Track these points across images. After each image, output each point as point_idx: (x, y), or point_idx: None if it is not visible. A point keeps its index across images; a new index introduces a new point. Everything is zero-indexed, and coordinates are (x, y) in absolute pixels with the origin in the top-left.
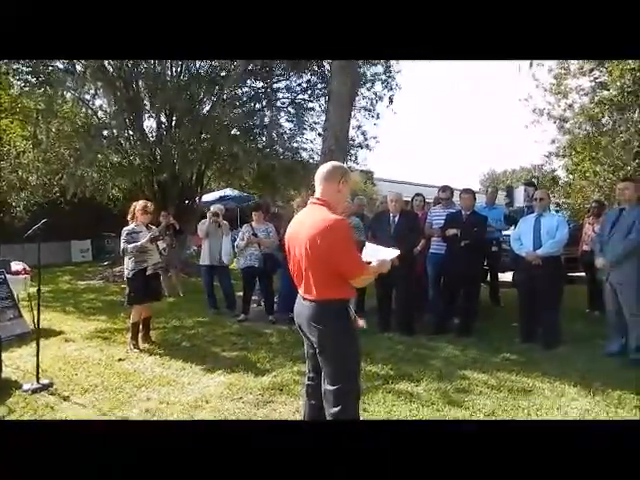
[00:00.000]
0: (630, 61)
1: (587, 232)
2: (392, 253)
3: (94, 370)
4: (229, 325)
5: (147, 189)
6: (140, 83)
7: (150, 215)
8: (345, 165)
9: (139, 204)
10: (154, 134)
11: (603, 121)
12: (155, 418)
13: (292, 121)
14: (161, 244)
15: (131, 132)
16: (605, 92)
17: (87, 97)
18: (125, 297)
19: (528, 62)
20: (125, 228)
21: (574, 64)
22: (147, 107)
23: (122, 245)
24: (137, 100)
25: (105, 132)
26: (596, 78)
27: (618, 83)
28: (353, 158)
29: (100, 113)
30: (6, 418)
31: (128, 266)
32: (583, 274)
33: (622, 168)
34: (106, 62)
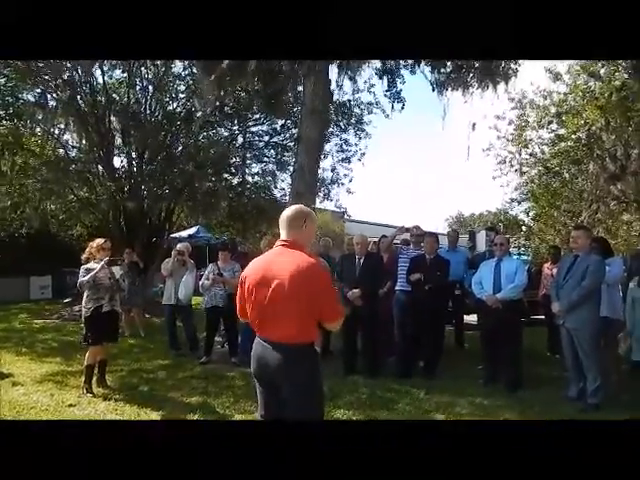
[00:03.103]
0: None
1: (546, 277)
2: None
3: (41, 417)
4: (190, 368)
5: (113, 225)
6: (112, 119)
7: (108, 252)
8: (311, 207)
9: (95, 242)
10: (124, 170)
11: (561, 170)
12: None
13: (265, 162)
14: (117, 270)
15: (100, 167)
16: (562, 144)
17: (56, 131)
18: (81, 337)
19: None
20: (83, 265)
21: (532, 117)
22: (119, 143)
23: (79, 280)
24: (109, 136)
25: (73, 166)
26: (554, 130)
27: (573, 136)
28: (325, 197)
29: (69, 147)
30: None
31: (85, 304)
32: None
33: (578, 215)
34: (79, 97)
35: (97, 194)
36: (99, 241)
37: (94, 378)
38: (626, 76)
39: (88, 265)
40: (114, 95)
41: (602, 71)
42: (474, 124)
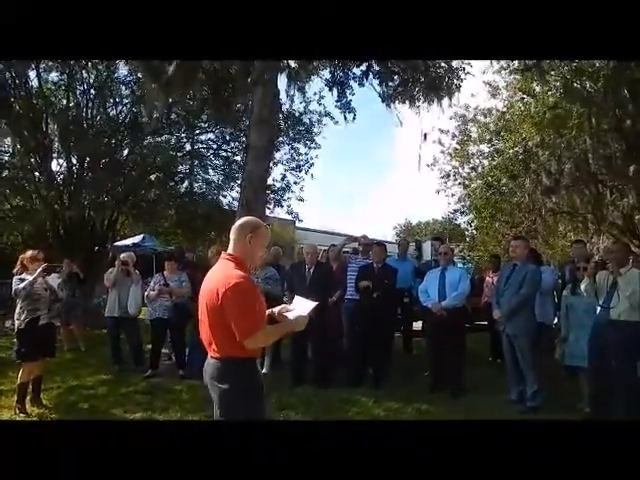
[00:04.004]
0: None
1: (487, 285)
2: (310, 305)
3: None
4: (135, 382)
5: (52, 234)
6: (50, 124)
7: (42, 262)
8: (260, 215)
9: (27, 254)
10: (63, 177)
11: (501, 183)
12: None
13: (214, 170)
14: (55, 279)
15: (37, 174)
16: (500, 159)
17: None
18: (14, 352)
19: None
20: (16, 277)
21: (474, 133)
22: (56, 148)
23: (14, 288)
24: (46, 141)
25: (6, 173)
26: (493, 145)
27: (511, 152)
28: (277, 204)
29: (1, 152)
30: None
31: (19, 316)
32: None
33: (517, 226)
34: (12, 99)
35: (33, 202)
36: (31, 252)
37: (28, 397)
38: (558, 95)
39: (22, 276)
40: (52, 98)
41: (537, 89)
42: (425, 134)
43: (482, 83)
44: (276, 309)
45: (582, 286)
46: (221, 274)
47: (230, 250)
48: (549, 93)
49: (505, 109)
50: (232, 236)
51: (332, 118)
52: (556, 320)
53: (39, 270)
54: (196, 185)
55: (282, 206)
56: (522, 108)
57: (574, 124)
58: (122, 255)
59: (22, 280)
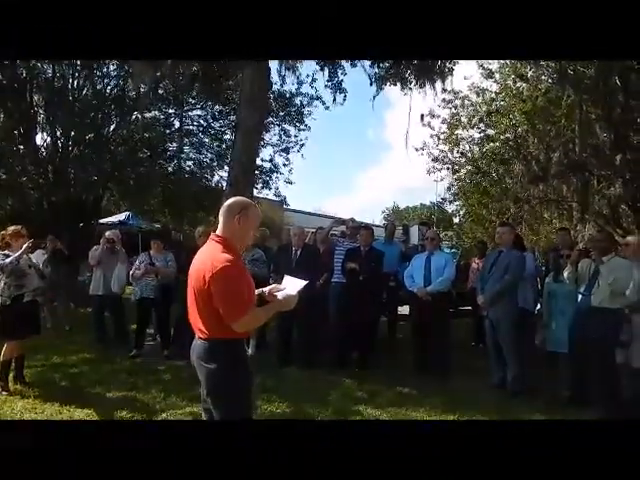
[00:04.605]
0: (514, 116)
1: (473, 270)
2: (300, 284)
3: None
4: (119, 361)
5: (36, 210)
6: (35, 95)
7: (25, 239)
8: (248, 195)
9: (10, 230)
10: (48, 151)
11: (489, 170)
12: None
13: (202, 148)
14: (39, 256)
15: (21, 147)
16: (491, 144)
17: None
18: None
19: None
20: None
21: (464, 116)
22: (41, 121)
23: None
24: (30, 113)
25: None
26: (483, 131)
27: (502, 137)
28: (265, 186)
29: None
30: None
31: (2, 292)
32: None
33: (505, 212)
34: None
35: (17, 176)
36: (14, 228)
37: (10, 374)
38: (550, 81)
39: (5, 252)
40: (37, 67)
41: (530, 74)
42: (422, 115)
43: (476, 65)
44: (266, 289)
45: (565, 273)
46: (208, 256)
47: (219, 231)
48: (542, 78)
49: (497, 90)
50: (220, 217)
51: (323, 103)
52: (539, 306)
53: (25, 246)
54: (184, 164)
55: (270, 188)
56: (514, 92)
57: (563, 112)
58: (107, 233)
59: (6, 256)
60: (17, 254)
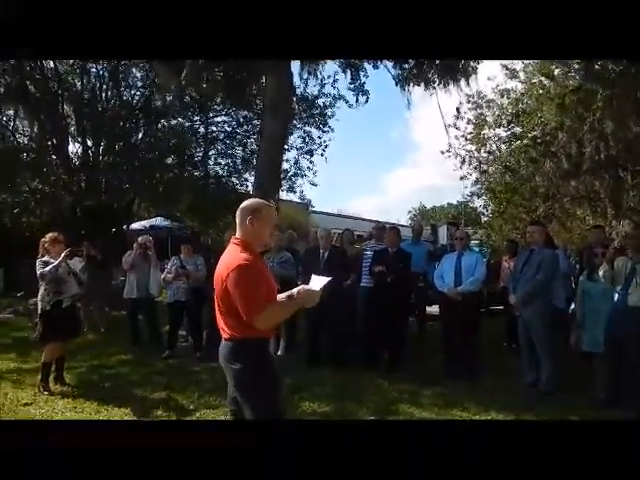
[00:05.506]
0: (541, 114)
1: (504, 269)
2: (324, 280)
3: None
4: (153, 363)
5: (69, 216)
6: (66, 107)
7: (63, 244)
8: (274, 199)
9: (47, 237)
10: (79, 160)
11: (518, 168)
12: None
13: (229, 153)
14: (77, 263)
15: (54, 157)
16: (518, 142)
17: (4, 119)
18: (37, 333)
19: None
20: (39, 259)
21: (489, 116)
22: (72, 132)
23: (38, 272)
24: (62, 124)
25: (24, 155)
26: (510, 129)
27: (530, 135)
28: (290, 189)
29: (18, 135)
30: None
31: (42, 298)
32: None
33: (534, 210)
34: (28, 82)
35: (51, 185)
36: (51, 235)
37: (51, 375)
38: (578, 77)
39: (45, 258)
40: (68, 81)
41: (556, 72)
42: (458, 108)
43: (499, 66)
44: (294, 290)
45: (600, 272)
46: (227, 258)
47: (237, 234)
48: (569, 75)
49: (524, 91)
50: (237, 220)
51: (346, 101)
52: (573, 306)
53: (64, 254)
54: (211, 169)
55: (295, 192)
56: (541, 91)
57: (597, 106)
58: (140, 238)
59: (45, 263)
60: (56, 263)
